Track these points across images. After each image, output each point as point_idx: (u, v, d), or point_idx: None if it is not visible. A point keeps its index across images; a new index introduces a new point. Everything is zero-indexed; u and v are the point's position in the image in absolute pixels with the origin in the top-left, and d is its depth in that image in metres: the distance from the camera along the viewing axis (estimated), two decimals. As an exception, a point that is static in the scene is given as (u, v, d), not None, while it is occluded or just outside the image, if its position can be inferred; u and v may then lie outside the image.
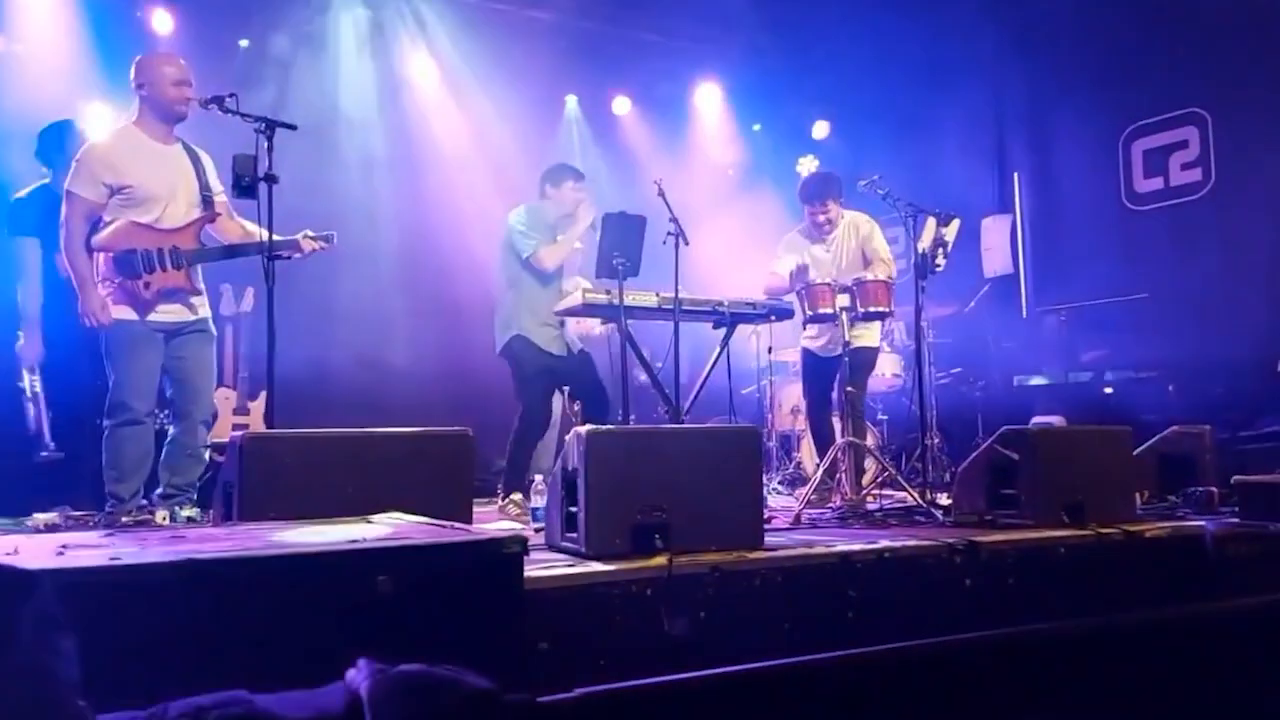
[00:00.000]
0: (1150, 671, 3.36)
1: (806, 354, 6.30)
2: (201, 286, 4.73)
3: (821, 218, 6.00)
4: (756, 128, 10.45)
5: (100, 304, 4.43)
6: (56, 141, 5.41)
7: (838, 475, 5.47)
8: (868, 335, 5.89)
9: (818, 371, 6.22)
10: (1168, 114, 7.75)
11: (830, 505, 5.26)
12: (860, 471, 5.65)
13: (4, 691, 1.13)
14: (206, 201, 4.70)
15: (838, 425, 6.18)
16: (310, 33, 8.15)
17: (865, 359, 5.92)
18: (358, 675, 1.34)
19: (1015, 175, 8.97)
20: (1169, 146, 7.76)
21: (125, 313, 4.48)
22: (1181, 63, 7.54)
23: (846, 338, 5.36)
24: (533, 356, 5.81)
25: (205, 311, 4.76)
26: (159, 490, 4.61)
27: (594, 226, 5.90)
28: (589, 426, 3.44)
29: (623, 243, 5.08)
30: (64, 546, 2.13)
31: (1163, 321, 7.12)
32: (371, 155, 8.20)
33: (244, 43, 7.96)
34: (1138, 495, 4.72)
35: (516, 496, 5.43)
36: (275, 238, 4.42)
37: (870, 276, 5.38)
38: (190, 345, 4.67)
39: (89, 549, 2.08)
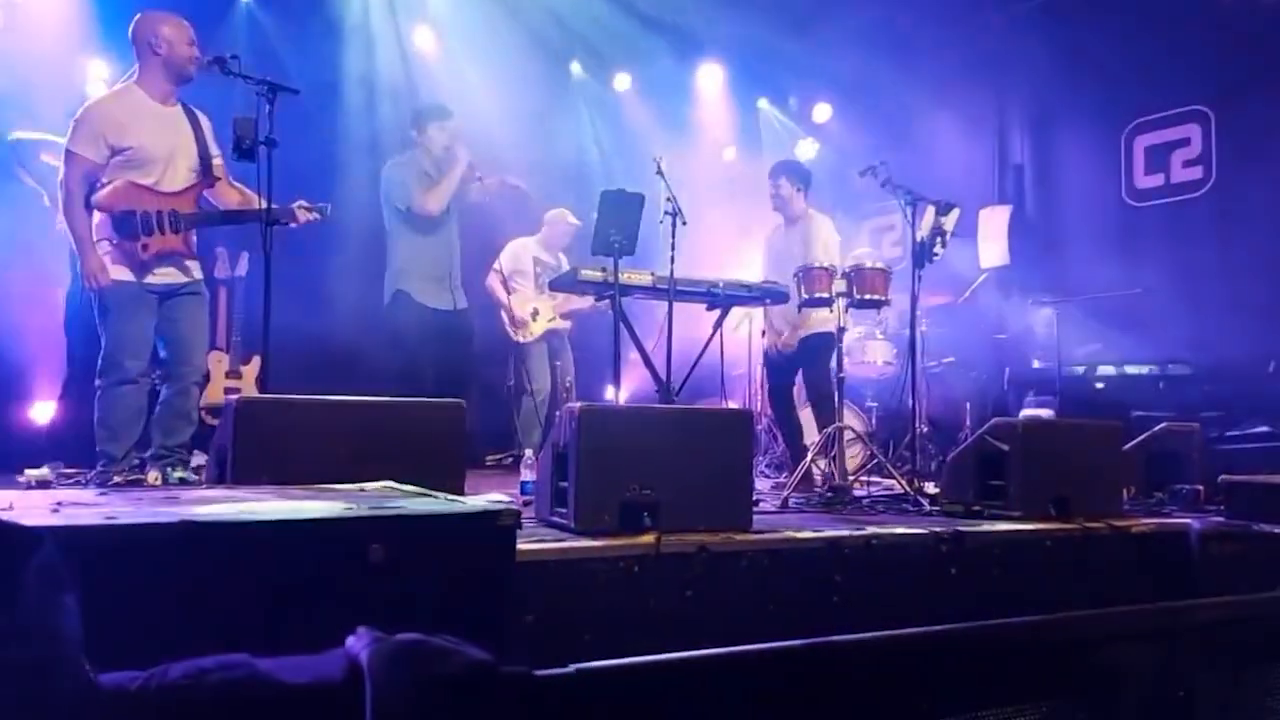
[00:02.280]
0: (1132, 667, 3.39)
1: (765, 352, 6.47)
2: (196, 249, 4.73)
3: (771, 192, 6.26)
4: (762, 103, 10.43)
5: (100, 265, 4.41)
6: None
7: (824, 461, 5.49)
8: (815, 320, 5.97)
9: (774, 366, 6.42)
10: (1171, 110, 7.76)
11: (817, 490, 5.29)
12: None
13: (9, 650, 1.14)
14: (205, 165, 4.68)
15: (804, 416, 6.33)
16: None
17: (816, 344, 6.03)
18: (358, 643, 1.35)
19: (1016, 167, 8.97)
20: (1171, 143, 7.76)
21: (122, 273, 4.47)
22: (1186, 60, 7.54)
23: (841, 322, 5.39)
24: (415, 313, 5.84)
25: (198, 273, 4.76)
26: (150, 451, 4.61)
27: (475, 171, 5.93)
28: (581, 403, 3.44)
29: (619, 220, 5.07)
30: (59, 503, 2.14)
31: (1157, 318, 7.14)
32: (371, 121, 8.15)
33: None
34: (1125, 491, 4.75)
35: None
36: (271, 206, 4.41)
37: (869, 264, 5.39)
38: (183, 307, 4.67)
39: (84, 507, 2.09)
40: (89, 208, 4.45)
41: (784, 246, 6.30)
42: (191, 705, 1.25)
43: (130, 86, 4.63)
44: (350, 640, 1.38)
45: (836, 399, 5.52)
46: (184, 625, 1.66)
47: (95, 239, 4.43)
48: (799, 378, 6.33)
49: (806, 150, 9.88)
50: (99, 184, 4.46)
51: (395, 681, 1.25)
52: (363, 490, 2.66)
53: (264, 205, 4.35)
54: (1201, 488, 4.93)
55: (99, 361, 4.52)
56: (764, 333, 6.48)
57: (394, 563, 1.96)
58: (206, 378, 4.94)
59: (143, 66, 4.61)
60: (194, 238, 4.70)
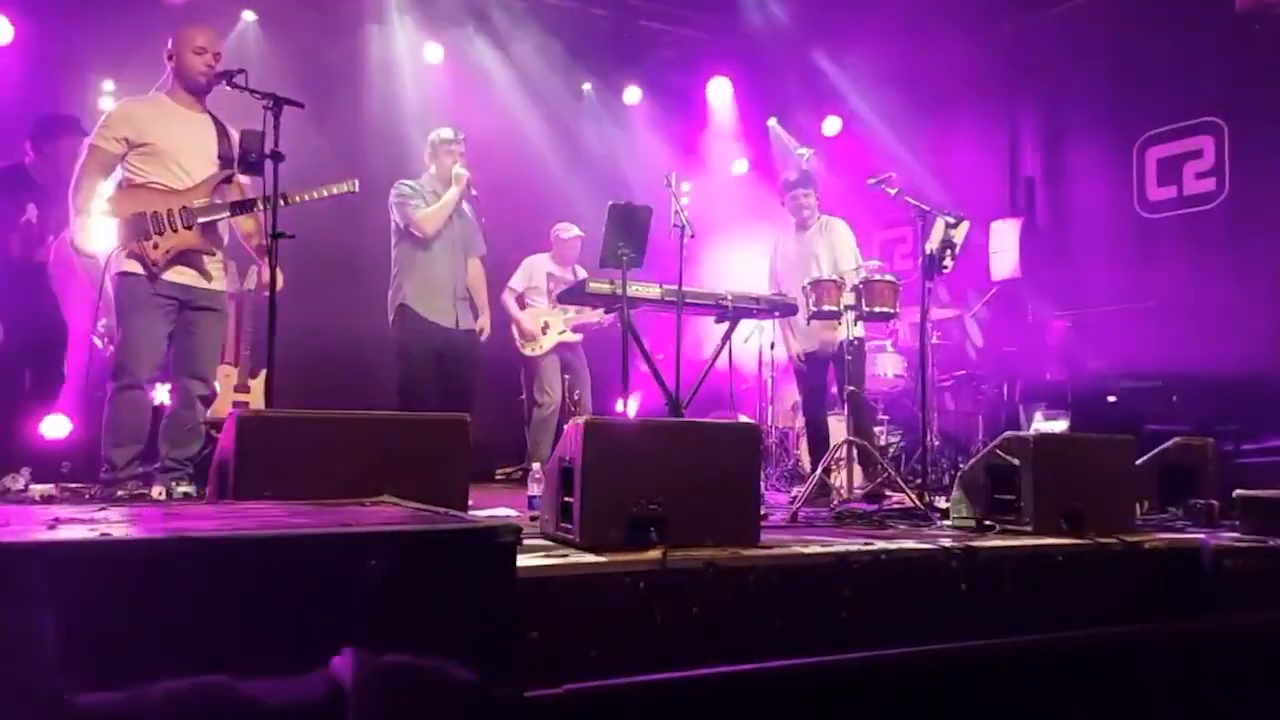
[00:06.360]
0: (1144, 685, 3.34)
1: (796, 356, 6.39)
2: (217, 249, 4.72)
3: (804, 200, 6.25)
4: (771, 122, 10.41)
5: (85, 237, 4.48)
6: (49, 132, 5.49)
7: (836, 475, 5.44)
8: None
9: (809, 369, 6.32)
10: (1183, 122, 7.71)
11: (827, 505, 5.24)
12: (869, 471, 5.66)
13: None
14: (225, 162, 4.71)
15: (834, 423, 6.23)
16: (322, 10, 8.15)
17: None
18: (342, 664, 1.32)
19: (1027, 179, 8.93)
20: (1183, 155, 7.72)
21: (134, 267, 4.48)
22: (1199, 72, 7.50)
23: (849, 335, 5.35)
24: (417, 328, 5.89)
25: (221, 282, 4.77)
26: (157, 463, 4.60)
27: (470, 188, 6.01)
28: (587, 417, 3.42)
29: (628, 233, 5.06)
30: (56, 519, 2.12)
31: (1170, 331, 7.08)
32: (383, 136, 8.15)
33: (249, 16, 7.95)
34: (1138, 505, 4.69)
35: None
36: (284, 193, 4.44)
37: (878, 277, 5.36)
38: (202, 322, 4.67)
39: (80, 523, 2.06)
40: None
41: (800, 254, 6.25)
42: (170, 728, 1.22)
43: (159, 94, 4.74)
44: (335, 661, 1.35)
45: (846, 412, 5.49)
46: (177, 642, 1.63)
47: (116, 241, 4.49)
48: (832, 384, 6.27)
49: (808, 157, 9.83)
50: (121, 182, 4.57)
51: (378, 706, 1.22)
52: (362, 505, 2.63)
53: (270, 217, 4.35)
54: (1216, 503, 4.86)
55: (112, 364, 4.54)
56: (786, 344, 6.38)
57: (391, 579, 1.92)
58: (214, 394, 4.90)
59: (169, 76, 4.76)
60: (217, 237, 4.71)
